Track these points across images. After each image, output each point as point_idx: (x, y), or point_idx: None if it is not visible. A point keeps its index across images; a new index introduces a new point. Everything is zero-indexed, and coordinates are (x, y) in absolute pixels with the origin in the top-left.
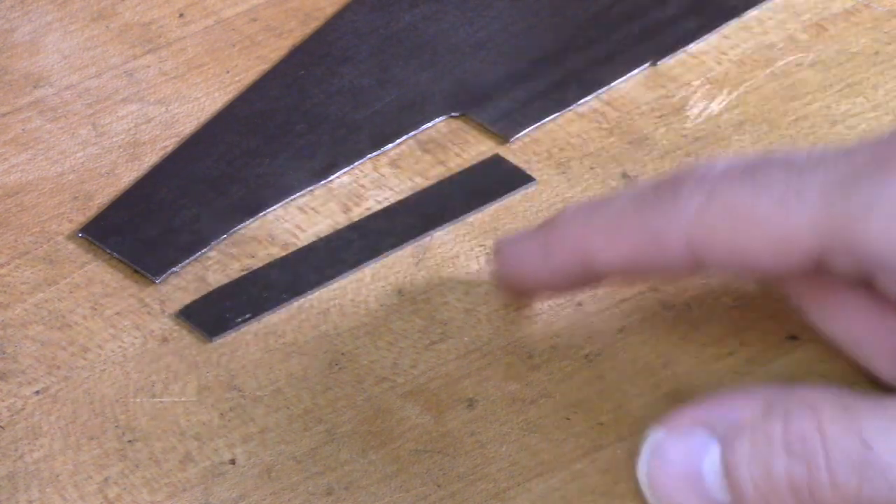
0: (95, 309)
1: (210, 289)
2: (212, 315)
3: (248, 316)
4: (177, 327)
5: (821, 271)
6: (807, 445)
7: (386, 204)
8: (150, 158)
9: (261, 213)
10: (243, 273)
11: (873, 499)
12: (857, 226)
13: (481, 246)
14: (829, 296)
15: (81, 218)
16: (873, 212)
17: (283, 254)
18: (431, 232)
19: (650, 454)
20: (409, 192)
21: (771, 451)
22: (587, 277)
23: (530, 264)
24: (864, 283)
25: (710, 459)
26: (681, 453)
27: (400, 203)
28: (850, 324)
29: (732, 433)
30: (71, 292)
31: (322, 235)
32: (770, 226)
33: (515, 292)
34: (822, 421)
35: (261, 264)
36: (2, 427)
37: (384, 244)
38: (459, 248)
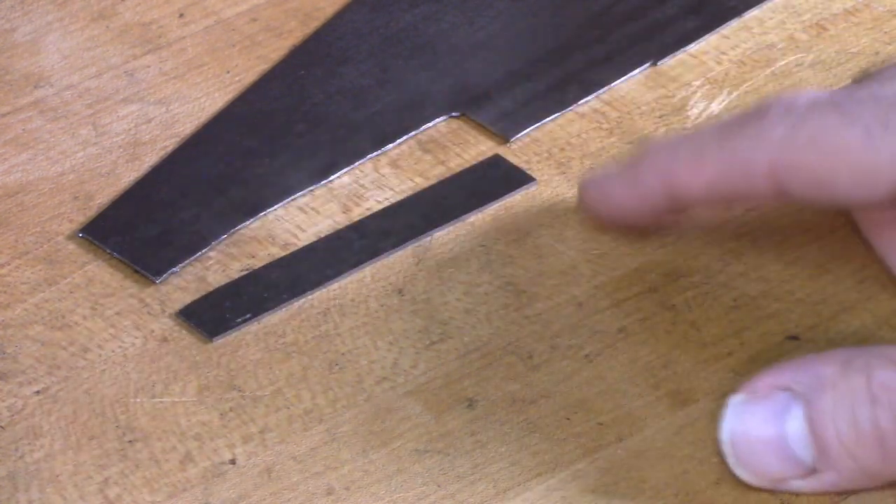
0: (95, 309)
1: (210, 289)
2: (212, 315)
3: (248, 316)
4: (177, 327)
5: None
6: (891, 394)
7: (386, 204)
8: (150, 158)
9: (261, 213)
10: (243, 273)
11: None
12: None
13: (482, 246)
14: (891, 225)
15: (81, 218)
16: None
17: (283, 254)
18: (432, 232)
19: (732, 420)
20: (410, 192)
21: (855, 402)
22: (673, 206)
23: (618, 194)
24: None
25: (793, 420)
26: (763, 416)
27: (400, 203)
28: None
29: (814, 391)
30: (71, 292)
31: (322, 235)
32: (856, 156)
33: (603, 222)
34: None
35: (261, 264)
36: (2, 427)
37: (384, 244)
38: (459, 249)
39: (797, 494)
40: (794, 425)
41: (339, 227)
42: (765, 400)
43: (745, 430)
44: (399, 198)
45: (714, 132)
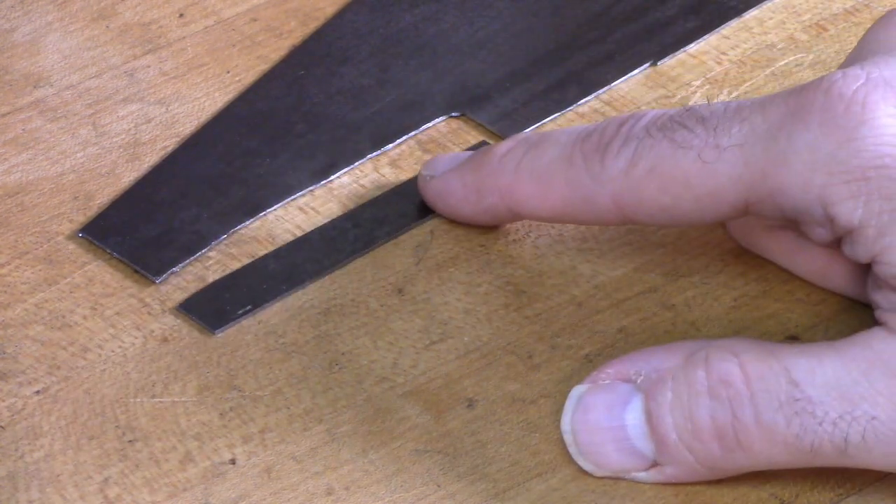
0: (95, 309)
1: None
2: (212, 308)
3: (248, 307)
4: (177, 327)
5: (749, 214)
6: (730, 388)
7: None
8: (150, 158)
9: (261, 213)
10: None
11: (801, 436)
12: (776, 178)
13: (482, 246)
14: (756, 229)
15: (81, 218)
16: (789, 162)
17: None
18: (426, 219)
19: (573, 408)
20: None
21: (693, 396)
22: (514, 218)
23: (461, 201)
24: (790, 224)
25: (633, 411)
26: (604, 406)
27: (393, 191)
28: (778, 251)
29: (654, 384)
30: (71, 292)
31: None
32: (693, 184)
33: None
34: (744, 363)
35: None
36: (2, 427)
37: (379, 233)
38: (459, 249)
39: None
40: (634, 417)
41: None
42: (606, 391)
43: (585, 420)
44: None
45: (559, 159)
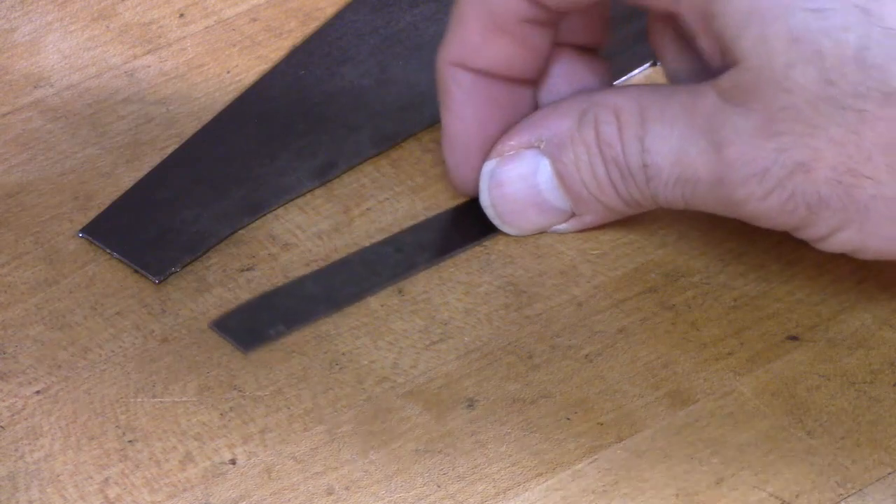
0: (95, 309)
1: (211, 289)
2: (246, 327)
3: (282, 328)
4: (177, 327)
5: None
6: (613, 149)
7: (386, 204)
8: (150, 158)
9: (261, 213)
10: (277, 285)
11: (654, 196)
12: None
13: (482, 246)
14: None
15: (81, 218)
16: None
17: (285, 254)
18: (467, 247)
19: (488, 184)
20: (408, 192)
21: (590, 157)
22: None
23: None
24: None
25: (543, 174)
26: (516, 175)
27: (437, 217)
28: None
29: (556, 147)
30: (71, 292)
31: (323, 233)
32: None
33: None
34: (620, 127)
35: (262, 264)
36: (2, 427)
37: (420, 259)
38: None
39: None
40: (545, 180)
41: (341, 227)
42: (515, 161)
43: (502, 194)
44: (398, 197)
45: None
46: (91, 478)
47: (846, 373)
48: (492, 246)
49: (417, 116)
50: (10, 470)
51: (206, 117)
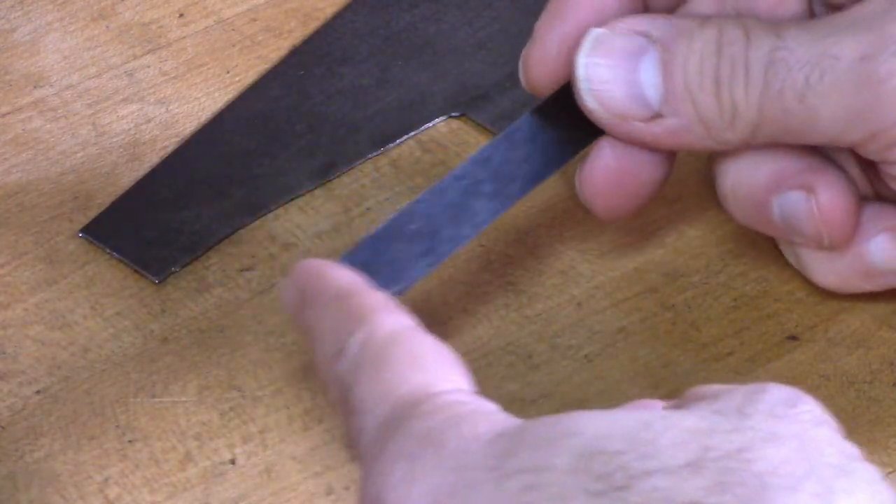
0: (95, 309)
1: (211, 288)
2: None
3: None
4: (177, 327)
5: None
6: (734, 47)
7: (386, 204)
8: (150, 158)
9: (261, 213)
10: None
11: (771, 87)
12: None
13: (482, 246)
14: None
15: (81, 218)
16: None
17: (285, 254)
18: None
19: (590, 48)
20: (408, 192)
21: (704, 52)
22: None
23: None
24: None
25: (649, 60)
26: (621, 50)
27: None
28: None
29: (671, 38)
30: (71, 292)
31: (323, 234)
32: None
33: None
34: (748, 27)
35: (261, 264)
36: (2, 427)
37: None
38: (459, 248)
39: (634, 138)
40: (648, 66)
41: (340, 227)
42: (624, 37)
43: (601, 60)
44: (400, 198)
45: None
46: (91, 478)
47: (846, 373)
48: (492, 246)
49: (417, 116)
50: (10, 470)
51: (206, 117)
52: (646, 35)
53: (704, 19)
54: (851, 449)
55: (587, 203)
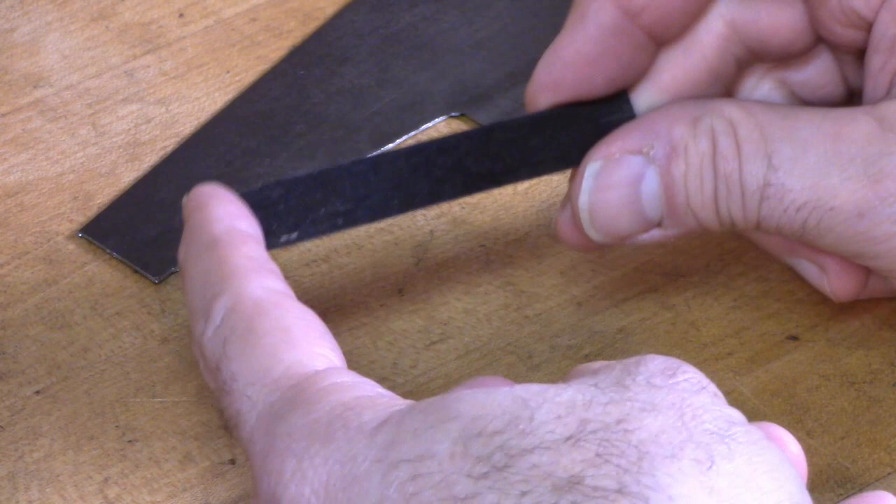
0: (95, 309)
1: None
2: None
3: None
4: (177, 327)
5: None
6: (727, 163)
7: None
8: (150, 158)
9: None
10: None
11: (766, 218)
12: None
13: (482, 246)
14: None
15: (81, 218)
16: None
17: (285, 254)
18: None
19: (591, 186)
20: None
21: (703, 170)
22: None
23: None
24: None
25: (648, 183)
26: (620, 179)
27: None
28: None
29: (667, 156)
30: (71, 292)
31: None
32: None
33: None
34: (739, 141)
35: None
36: (2, 427)
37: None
38: (459, 249)
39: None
40: (649, 187)
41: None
42: (620, 164)
43: (604, 196)
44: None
45: None
46: (91, 478)
47: (846, 373)
48: (491, 246)
49: (417, 116)
50: (10, 470)
51: (206, 117)
52: (641, 153)
53: (696, 117)
54: (732, 413)
55: (564, 243)
